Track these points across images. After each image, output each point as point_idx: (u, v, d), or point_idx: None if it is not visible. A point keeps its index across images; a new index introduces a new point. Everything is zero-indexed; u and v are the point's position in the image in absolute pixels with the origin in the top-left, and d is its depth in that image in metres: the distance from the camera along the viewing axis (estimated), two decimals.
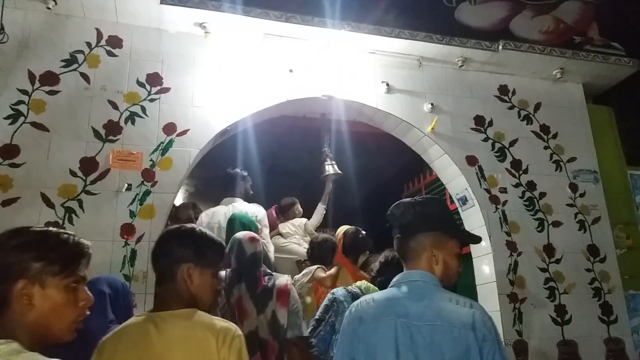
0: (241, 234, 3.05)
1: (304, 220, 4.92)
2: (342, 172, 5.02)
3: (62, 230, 1.25)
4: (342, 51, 4.16)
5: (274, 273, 3.09)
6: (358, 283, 2.99)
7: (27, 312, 1.12)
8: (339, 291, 2.89)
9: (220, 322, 1.55)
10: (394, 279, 1.60)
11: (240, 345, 1.51)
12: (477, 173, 4.31)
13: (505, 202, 4.29)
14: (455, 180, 4.38)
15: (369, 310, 1.55)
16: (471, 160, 4.32)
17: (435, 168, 4.54)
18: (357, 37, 4.03)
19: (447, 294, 1.51)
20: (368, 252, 3.94)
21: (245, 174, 4.31)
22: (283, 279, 3.05)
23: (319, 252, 3.77)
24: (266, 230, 3.99)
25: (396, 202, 1.72)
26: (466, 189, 4.29)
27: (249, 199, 4.24)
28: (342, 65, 4.18)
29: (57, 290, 1.16)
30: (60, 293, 1.16)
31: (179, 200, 5.13)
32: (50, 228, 1.24)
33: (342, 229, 4.03)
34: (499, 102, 4.61)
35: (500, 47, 4.35)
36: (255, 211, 3.97)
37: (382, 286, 2.37)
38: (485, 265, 4.16)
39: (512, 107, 4.64)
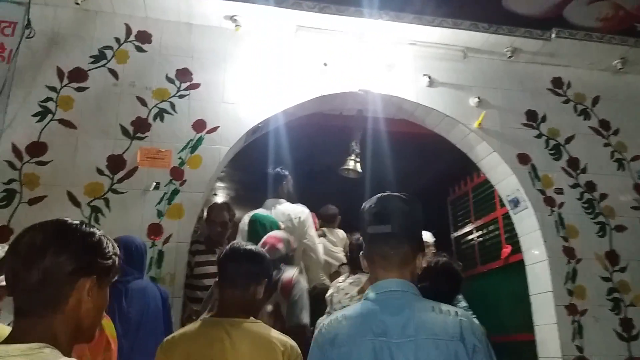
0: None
1: (344, 235, 4.67)
2: (377, 174, 4.75)
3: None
4: (379, 43, 3.92)
5: (282, 266, 2.94)
6: None
7: (83, 312, 1.06)
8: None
9: (284, 337, 1.74)
10: (368, 291, 1.37)
11: None
12: (529, 172, 3.95)
13: (561, 205, 3.91)
14: (505, 180, 4.03)
15: (342, 330, 1.33)
16: (523, 159, 3.97)
17: (483, 167, 4.20)
18: (395, 27, 3.79)
19: (429, 303, 1.35)
20: None
21: (287, 173, 4.11)
22: (289, 273, 2.90)
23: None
24: (311, 231, 3.79)
25: (382, 196, 1.47)
26: (518, 189, 3.94)
27: (292, 199, 4.03)
28: (380, 57, 3.93)
29: (105, 290, 1.14)
30: (105, 294, 1.15)
31: None
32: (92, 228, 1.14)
33: None
34: (552, 96, 4.25)
35: (553, 36, 4.00)
36: (299, 212, 3.77)
37: (424, 292, 2.11)
38: (540, 274, 3.80)
39: (567, 101, 4.26)
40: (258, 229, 3.20)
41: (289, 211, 3.73)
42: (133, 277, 2.58)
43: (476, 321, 1.36)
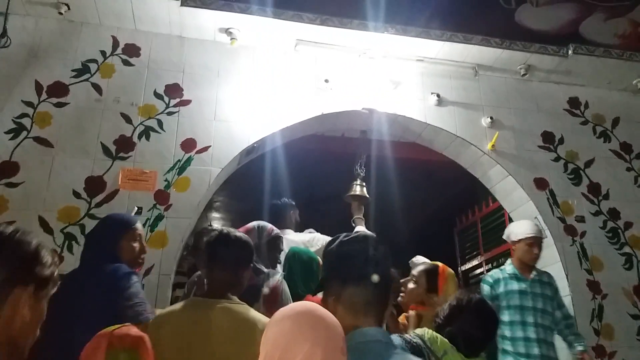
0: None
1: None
2: (379, 202, 4.38)
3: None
4: (385, 58, 3.68)
5: (267, 270, 2.42)
6: (419, 331, 2.19)
7: (17, 324, 0.97)
8: (396, 340, 2.11)
9: (265, 318, 1.72)
10: (348, 340, 1.12)
11: None
12: (548, 198, 3.66)
13: (583, 234, 3.61)
14: (522, 207, 3.72)
15: None
16: (541, 184, 3.67)
17: (497, 193, 3.89)
18: (402, 41, 3.54)
19: (410, 357, 1.21)
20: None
21: (293, 203, 3.76)
22: (275, 278, 2.38)
23: None
24: None
25: (362, 237, 1.33)
26: (536, 217, 3.63)
27: (298, 229, 3.69)
28: (385, 74, 3.69)
29: (43, 303, 1.05)
30: (43, 307, 1.05)
31: None
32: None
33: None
34: (569, 117, 3.99)
35: (570, 52, 3.75)
36: (310, 238, 3.42)
37: (451, 338, 1.73)
38: None
39: (585, 122, 3.99)
40: (298, 267, 2.68)
41: (300, 239, 3.37)
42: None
43: None
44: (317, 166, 4.82)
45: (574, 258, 3.54)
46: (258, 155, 3.58)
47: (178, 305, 1.83)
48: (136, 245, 2.18)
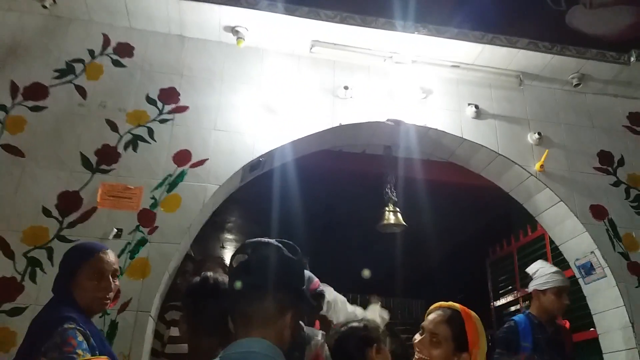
0: None
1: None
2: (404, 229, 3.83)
3: None
4: (414, 63, 3.20)
5: (306, 330, 2.09)
6: None
7: None
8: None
9: None
10: (222, 353, 1.11)
11: None
12: (607, 230, 3.10)
13: None
14: (575, 239, 3.15)
15: None
16: (598, 212, 3.12)
17: (545, 222, 3.33)
18: (435, 43, 3.07)
19: None
20: None
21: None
22: (317, 340, 2.05)
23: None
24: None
25: (250, 242, 1.25)
26: (592, 252, 3.07)
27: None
28: (415, 81, 3.22)
29: None
30: None
31: None
32: None
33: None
34: (630, 134, 3.45)
35: (632, 59, 3.22)
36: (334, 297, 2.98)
37: None
38: None
39: None
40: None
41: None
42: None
43: None
44: (335, 186, 4.34)
45: None
46: (266, 171, 3.11)
47: None
48: (95, 282, 1.71)
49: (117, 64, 2.91)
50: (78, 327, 1.50)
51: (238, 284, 1.16)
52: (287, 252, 1.21)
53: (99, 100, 2.78)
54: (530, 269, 3.11)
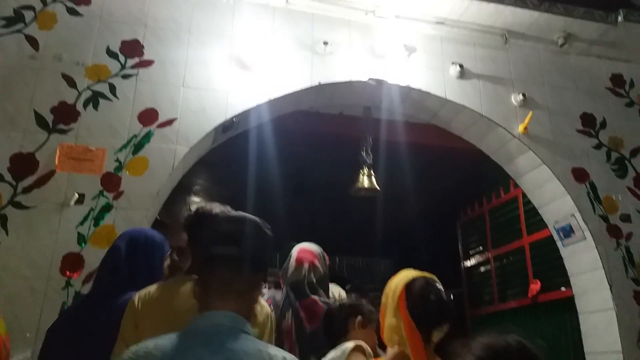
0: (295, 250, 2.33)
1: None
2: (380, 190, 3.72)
3: None
4: (397, 19, 3.06)
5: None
6: None
7: None
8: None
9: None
10: (196, 320, 1.16)
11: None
12: (588, 193, 3.08)
13: (629, 236, 3.09)
14: (556, 202, 3.12)
15: None
16: (580, 175, 3.08)
17: (525, 185, 3.28)
18: None
19: (258, 345, 1.14)
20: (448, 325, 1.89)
21: None
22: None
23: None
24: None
25: (235, 216, 1.29)
26: (573, 215, 3.06)
27: None
28: (398, 38, 3.07)
29: None
30: None
31: None
32: None
33: (403, 277, 1.88)
34: (612, 97, 3.39)
35: (620, 19, 3.13)
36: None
37: None
38: (601, 327, 2.97)
39: (631, 104, 3.43)
40: None
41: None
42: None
43: None
44: (309, 148, 4.18)
45: (618, 265, 2.99)
46: (240, 132, 2.92)
47: (167, 281, 1.56)
48: None
49: (72, 12, 2.64)
50: None
51: (225, 251, 1.17)
52: (268, 230, 1.24)
53: (53, 52, 2.53)
54: None
